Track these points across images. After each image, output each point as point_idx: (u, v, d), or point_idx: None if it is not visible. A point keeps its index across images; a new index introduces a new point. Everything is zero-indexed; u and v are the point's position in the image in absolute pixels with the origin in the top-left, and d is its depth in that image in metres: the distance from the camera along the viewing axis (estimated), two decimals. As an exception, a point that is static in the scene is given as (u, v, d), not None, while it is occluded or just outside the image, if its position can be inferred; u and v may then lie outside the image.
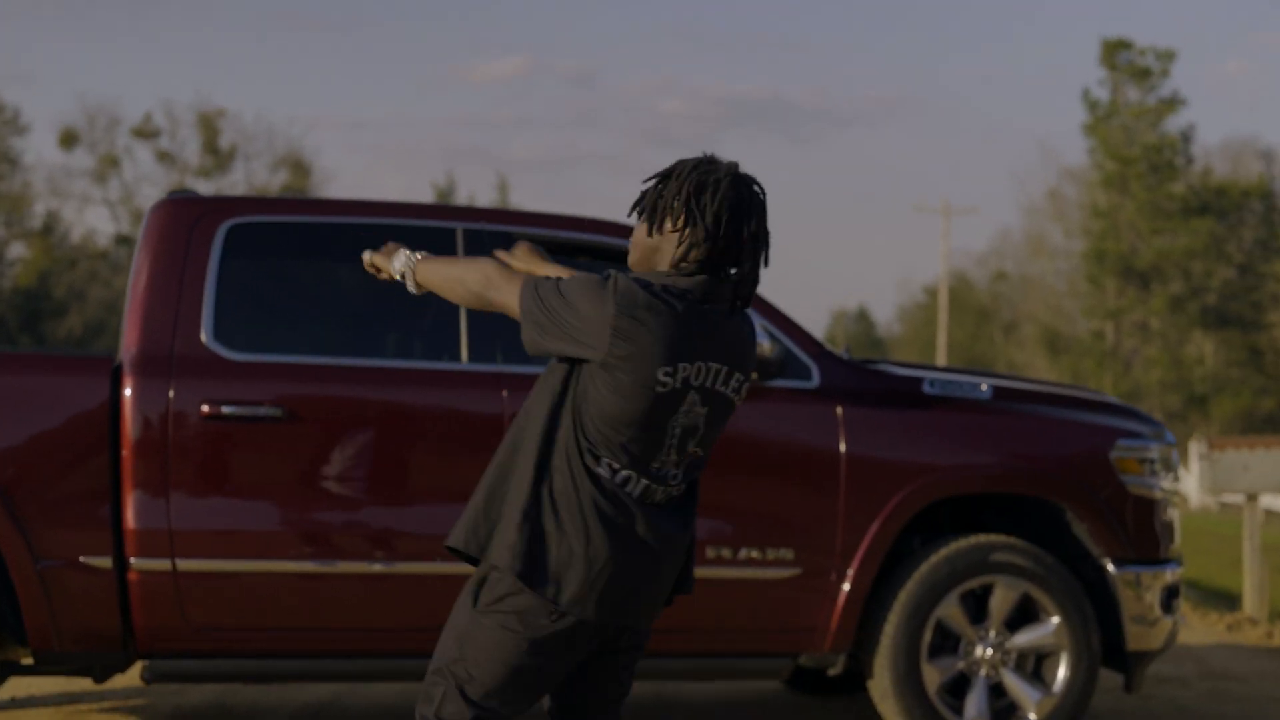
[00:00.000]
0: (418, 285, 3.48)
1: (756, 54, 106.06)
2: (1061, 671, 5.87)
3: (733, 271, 3.24)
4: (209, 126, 52.60)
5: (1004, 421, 5.98)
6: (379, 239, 5.75)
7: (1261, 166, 51.09)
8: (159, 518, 5.29)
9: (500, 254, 3.79)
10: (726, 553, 5.60)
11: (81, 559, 5.27)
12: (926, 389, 5.91)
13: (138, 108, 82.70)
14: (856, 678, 6.52)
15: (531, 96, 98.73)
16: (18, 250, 50.29)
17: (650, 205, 3.25)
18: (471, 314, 5.56)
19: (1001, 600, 5.85)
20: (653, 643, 3.83)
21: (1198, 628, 10.14)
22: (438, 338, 5.64)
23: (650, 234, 3.25)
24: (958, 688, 5.90)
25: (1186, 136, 48.53)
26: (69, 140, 51.42)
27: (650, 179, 3.28)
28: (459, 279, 3.37)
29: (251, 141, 54.23)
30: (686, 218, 3.18)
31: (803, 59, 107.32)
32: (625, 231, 5.79)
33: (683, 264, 3.20)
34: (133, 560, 5.28)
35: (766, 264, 3.27)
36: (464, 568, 5.47)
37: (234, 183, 52.67)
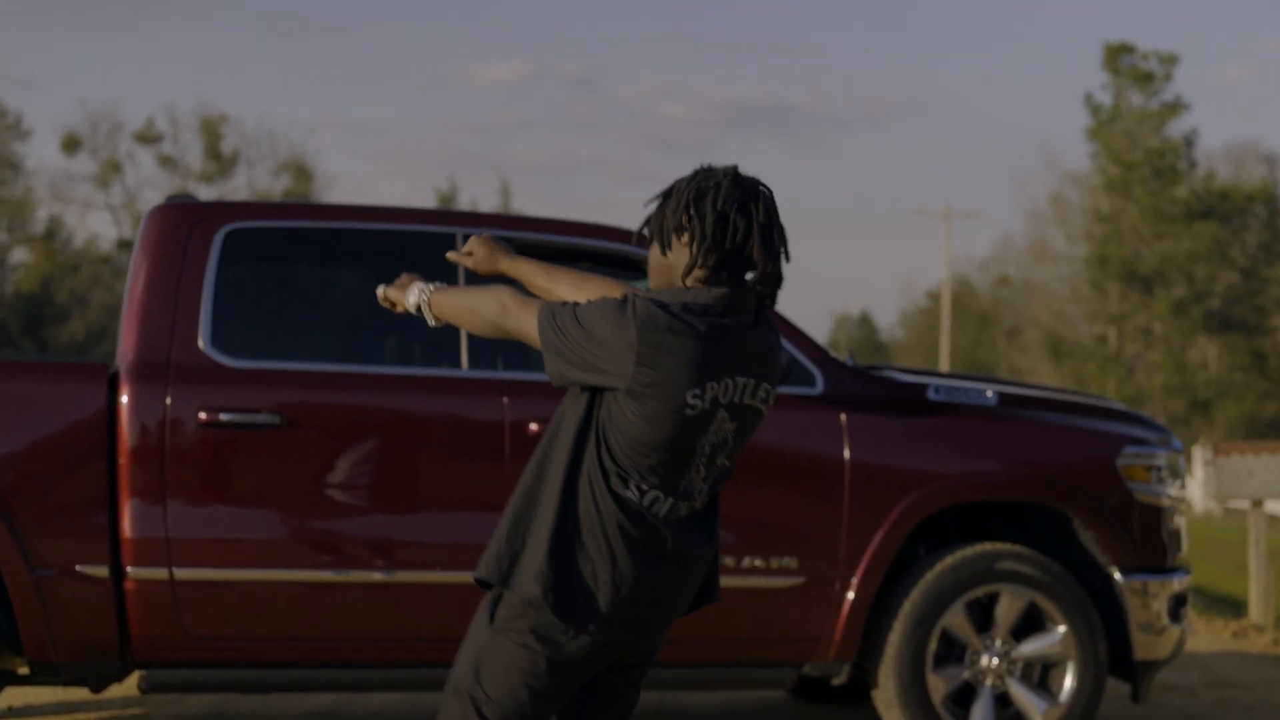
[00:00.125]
0: (435, 318, 3.41)
1: (757, 57, 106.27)
2: (1068, 681, 5.82)
3: (750, 275, 3.17)
4: (211, 131, 52.64)
5: (1010, 428, 5.93)
6: (378, 244, 5.73)
7: (1264, 171, 51.11)
8: (156, 526, 5.24)
9: (451, 255, 3.64)
10: (729, 561, 5.54)
11: (78, 568, 5.22)
12: (931, 395, 5.86)
13: (140, 112, 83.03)
14: (861, 687, 6.47)
15: (533, 100, 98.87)
16: (20, 255, 50.35)
17: (656, 226, 3.20)
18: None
19: (1007, 609, 5.80)
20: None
21: (1203, 634, 10.09)
22: (437, 344, 5.60)
23: (664, 254, 3.19)
24: (963, 697, 5.85)
25: (1189, 141, 48.54)
26: (71, 145, 51.46)
27: (652, 200, 3.23)
28: (475, 309, 3.30)
29: (254, 146, 54.33)
30: (691, 228, 3.13)
31: (803, 62, 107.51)
32: (627, 236, 5.75)
33: (697, 274, 3.14)
34: (129, 569, 5.23)
35: (788, 258, 3.20)
36: (463, 576, 5.44)
37: (236, 188, 52.71)
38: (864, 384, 5.82)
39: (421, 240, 5.63)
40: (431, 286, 3.43)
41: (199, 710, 6.76)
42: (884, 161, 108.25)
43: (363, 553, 5.39)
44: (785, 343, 5.70)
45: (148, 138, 52.20)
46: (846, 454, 5.66)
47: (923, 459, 5.77)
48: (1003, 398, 5.98)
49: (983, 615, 5.86)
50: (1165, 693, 7.60)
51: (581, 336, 3.10)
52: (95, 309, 47.60)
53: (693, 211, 3.12)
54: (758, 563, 5.59)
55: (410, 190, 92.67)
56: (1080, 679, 5.81)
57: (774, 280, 3.18)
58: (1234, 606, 11.80)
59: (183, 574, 5.25)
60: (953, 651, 5.84)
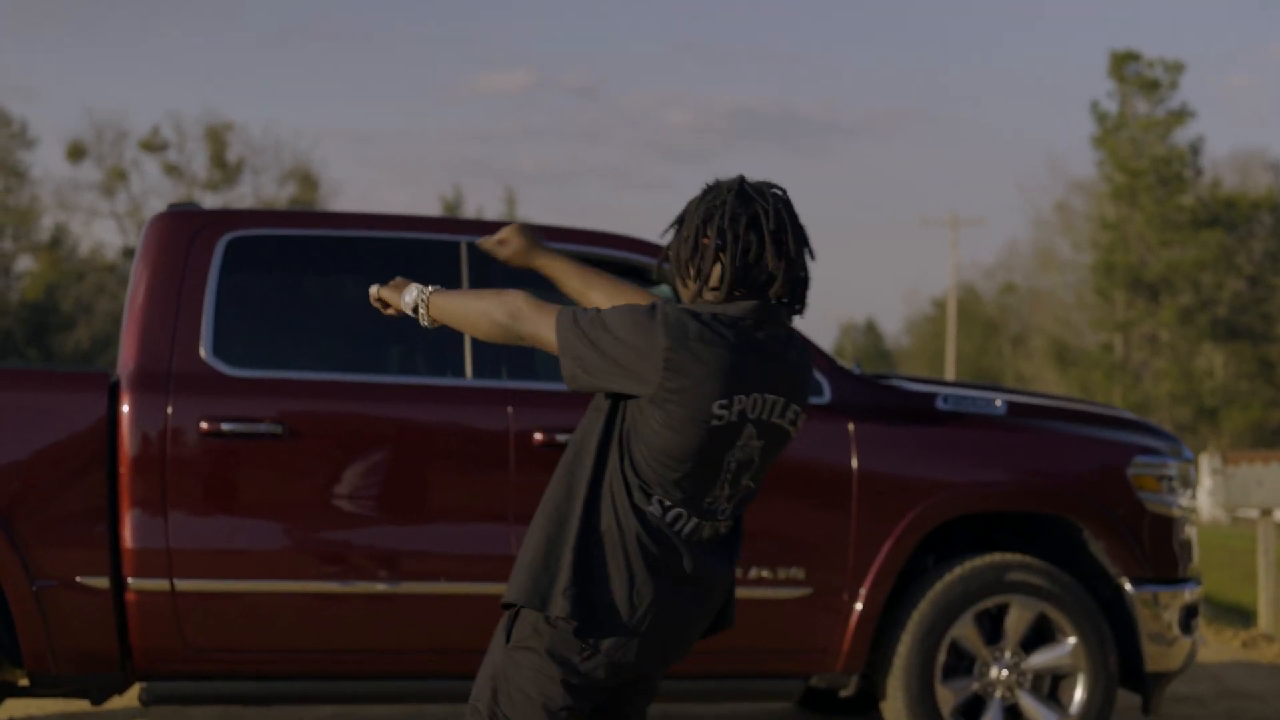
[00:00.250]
0: (432, 319, 3.34)
1: (763, 66, 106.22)
2: (1078, 693, 5.77)
3: (774, 286, 3.10)
4: (216, 140, 52.72)
5: (1019, 438, 5.88)
6: (381, 252, 5.69)
7: (1270, 178, 51.12)
8: (157, 537, 5.19)
9: (482, 242, 3.60)
10: (737, 572, 5.48)
11: (78, 579, 5.18)
12: (940, 405, 5.81)
13: (145, 121, 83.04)
14: (869, 699, 6.41)
15: (538, 108, 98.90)
16: (25, 263, 50.45)
17: (675, 257, 3.15)
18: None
19: (1017, 620, 5.75)
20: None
21: (1213, 644, 10.03)
22: (441, 353, 5.55)
23: (684, 285, 3.15)
24: (972, 710, 5.79)
25: (1195, 148, 48.54)
26: (76, 153, 51.56)
27: (667, 230, 3.19)
28: (483, 312, 3.22)
29: (259, 154, 54.42)
30: (703, 259, 3.08)
31: (809, 71, 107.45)
32: (636, 245, 5.72)
33: (718, 289, 3.08)
34: (130, 580, 5.19)
35: (812, 256, 3.15)
36: (469, 588, 5.41)
37: (241, 196, 52.78)
38: (872, 393, 5.77)
39: (425, 248, 5.59)
40: (430, 288, 3.37)
41: (201, 722, 6.72)
42: (889, 169, 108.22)
43: (366, 564, 5.34)
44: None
45: (153, 146, 52.28)
46: (854, 464, 5.62)
47: (931, 469, 5.72)
48: (1012, 407, 5.93)
49: (992, 626, 5.81)
50: (1175, 704, 7.54)
51: (607, 339, 3.04)
52: (100, 317, 47.64)
53: (703, 240, 3.08)
54: (765, 573, 5.55)
55: (415, 198, 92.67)
56: (1090, 691, 5.76)
57: (796, 286, 3.13)
58: (1243, 616, 11.74)
59: (184, 585, 5.21)
60: (962, 663, 5.79)
